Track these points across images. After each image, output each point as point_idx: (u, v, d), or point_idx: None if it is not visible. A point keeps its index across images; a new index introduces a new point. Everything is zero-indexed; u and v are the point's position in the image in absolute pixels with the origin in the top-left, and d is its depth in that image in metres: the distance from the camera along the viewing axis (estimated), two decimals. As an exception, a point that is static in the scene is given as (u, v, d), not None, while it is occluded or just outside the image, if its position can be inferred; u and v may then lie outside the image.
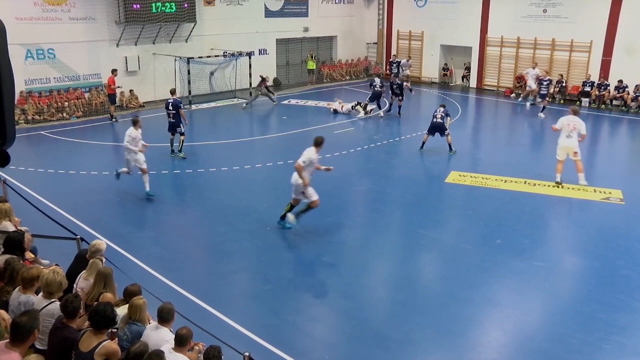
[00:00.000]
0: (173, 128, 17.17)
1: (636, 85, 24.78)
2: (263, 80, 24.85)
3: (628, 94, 25.02)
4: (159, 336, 6.03)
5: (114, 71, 22.51)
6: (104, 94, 23.65)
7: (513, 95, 28.38)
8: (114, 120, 22.54)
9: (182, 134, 17.22)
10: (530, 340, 8.59)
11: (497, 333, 8.90)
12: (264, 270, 10.58)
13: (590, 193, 14.61)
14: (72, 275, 7.43)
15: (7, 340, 4.95)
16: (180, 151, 17.35)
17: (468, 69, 31.08)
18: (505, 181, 15.36)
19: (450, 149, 18.22)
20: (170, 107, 16.92)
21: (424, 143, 18.50)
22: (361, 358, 8.03)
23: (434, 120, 18.12)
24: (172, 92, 17.52)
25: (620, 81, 25.12)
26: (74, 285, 7.14)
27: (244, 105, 25.19)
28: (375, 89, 23.57)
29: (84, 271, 7.32)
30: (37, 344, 5.81)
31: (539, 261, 10.96)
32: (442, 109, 18.28)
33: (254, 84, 26.62)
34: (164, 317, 6.18)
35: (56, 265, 7.45)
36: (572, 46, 26.86)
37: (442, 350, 8.37)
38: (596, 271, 10.77)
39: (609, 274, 10.48)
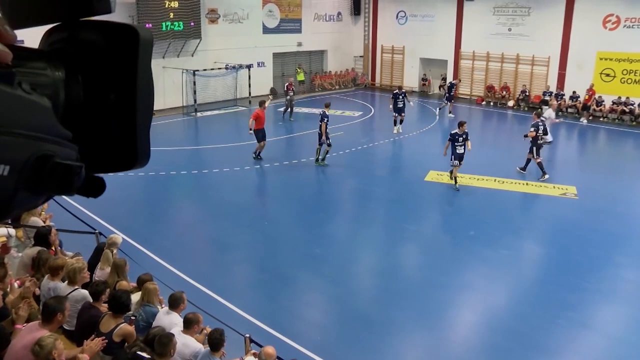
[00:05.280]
0: (319, 138, 16.66)
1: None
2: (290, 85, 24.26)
3: (580, 103, 25.31)
4: (169, 320, 6.11)
5: (262, 103, 17.08)
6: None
7: (484, 103, 28.52)
8: (258, 158, 17.09)
9: (328, 144, 16.51)
10: (498, 319, 8.73)
11: (469, 314, 9.03)
12: (263, 261, 10.62)
13: (550, 189, 14.76)
14: (92, 265, 7.47)
15: (39, 321, 5.12)
16: (322, 160, 16.73)
17: (444, 79, 31.15)
18: (478, 179, 15.43)
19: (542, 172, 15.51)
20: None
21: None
22: (349, 338, 8.10)
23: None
24: (326, 105, 17.03)
25: (574, 92, 25.42)
26: (94, 276, 7.18)
27: (290, 119, 24.03)
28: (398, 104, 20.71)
29: (100, 262, 7.38)
30: (65, 325, 5.94)
31: (506, 250, 11.09)
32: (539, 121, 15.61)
33: (254, 93, 26.66)
34: (172, 304, 6.28)
35: (78, 255, 7.50)
36: (534, 61, 27.02)
37: (422, 330, 8.47)
38: (553, 257, 10.96)
39: (564, 260, 10.69)
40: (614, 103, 24.30)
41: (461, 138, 14.70)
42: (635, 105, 23.65)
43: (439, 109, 25.50)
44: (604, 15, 24.45)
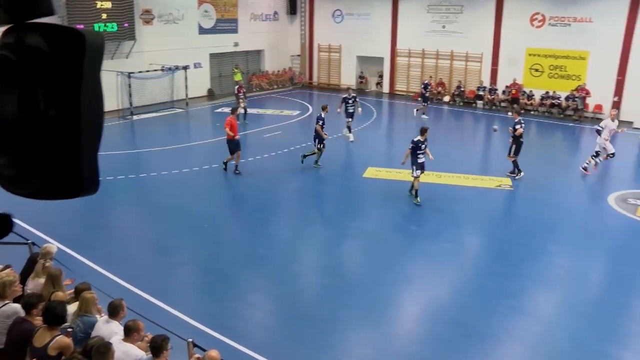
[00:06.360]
0: (313, 140, 16.50)
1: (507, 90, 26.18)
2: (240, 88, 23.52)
3: (510, 97, 26.30)
4: (108, 329, 5.91)
5: (234, 110, 16.32)
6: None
7: (420, 99, 29.04)
8: (237, 172, 15.75)
9: (318, 148, 16.32)
10: (442, 310, 8.90)
11: (414, 307, 9.17)
12: (205, 263, 10.45)
13: (487, 181, 15.21)
14: (25, 277, 7.13)
15: None
16: (304, 156, 16.57)
17: (381, 76, 31.56)
18: (416, 174, 15.67)
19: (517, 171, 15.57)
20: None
21: None
22: (295, 338, 8.07)
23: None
24: (323, 108, 16.75)
25: (507, 86, 26.36)
26: (25, 288, 6.85)
27: (245, 121, 22.55)
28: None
29: (32, 273, 7.06)
30: None
31: (447, 242, 11.32)
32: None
33: (191, 95, 26.25)
34: (111, 312, 6.07)
35: (9, 267, 7.14)
36: (467, 57, 27.77)
37: (368, 327, 8.52)
38: (492, 248, 11.32)
39: (501, 249, 11.07)
40: (542, 97, 25.34)
41: (423, 145, 13.61)
42: (562, 98, 24.71)
43: (420, 111, 24.62)
44: (530, 14, 25.49)
